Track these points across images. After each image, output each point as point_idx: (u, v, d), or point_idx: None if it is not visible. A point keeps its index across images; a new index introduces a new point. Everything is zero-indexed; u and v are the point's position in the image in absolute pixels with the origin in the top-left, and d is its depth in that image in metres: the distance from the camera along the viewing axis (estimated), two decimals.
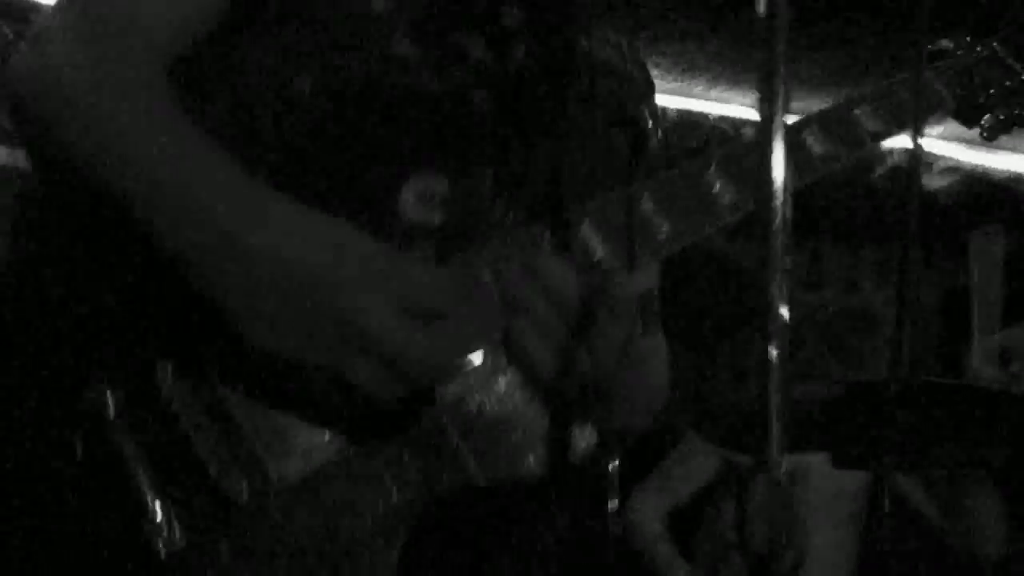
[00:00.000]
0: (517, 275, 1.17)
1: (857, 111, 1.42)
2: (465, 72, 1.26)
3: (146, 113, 1.07)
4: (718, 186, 1.29)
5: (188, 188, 1.03)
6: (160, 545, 1.02)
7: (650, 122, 1.43)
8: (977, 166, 5.93)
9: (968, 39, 1.65)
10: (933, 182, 5.91)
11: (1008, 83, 1.65)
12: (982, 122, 1.68)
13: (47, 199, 1.14)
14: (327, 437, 1.09)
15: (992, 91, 1.62)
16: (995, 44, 1.64)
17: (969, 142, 5.96)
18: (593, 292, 1.14)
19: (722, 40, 5.14)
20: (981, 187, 5.87)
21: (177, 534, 1.02)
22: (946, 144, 5.98)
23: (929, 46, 1.64)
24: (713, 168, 1.29)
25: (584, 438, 1.19)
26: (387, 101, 1.20)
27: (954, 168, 5.95)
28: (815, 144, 1.33)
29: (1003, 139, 6.19)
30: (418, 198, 1.19)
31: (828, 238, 5.63)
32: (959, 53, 1.62)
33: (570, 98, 1.34)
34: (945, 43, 1.66)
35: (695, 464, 3.48)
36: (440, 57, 1.25)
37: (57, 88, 1.07)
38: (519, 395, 1.18)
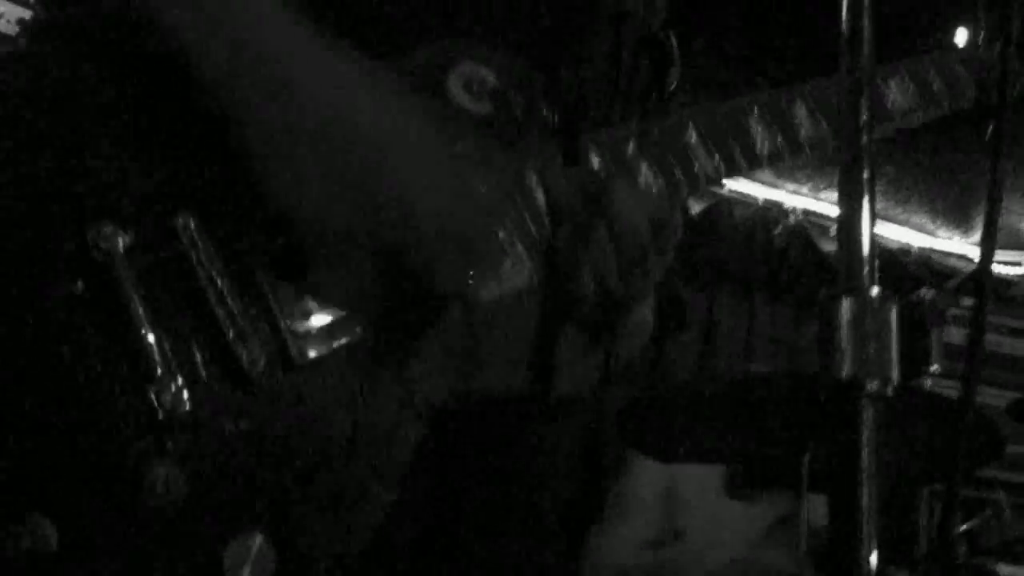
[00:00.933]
0: (578, 194, 1.16)
1: (889, 83, 1.42)
2: None
3: None
4: (759, 130, 1.31)
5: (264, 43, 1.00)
6: (161, 407, 0.94)
7: (675, 47, 1.39)
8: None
9: (984, 33, 1.63)
10: (827, 246, 6.08)
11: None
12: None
13: (73, 32, 1.03)
14: (351, 321, 1.04)
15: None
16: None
17: None
18: (656, 227, 1.15)
19: None
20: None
21: (183, 397, 0.95)
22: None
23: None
24: (756, 113, 1.31)
25: (594, 364, 1.18)
26: None
27: None
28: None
29: (897, 211, 6.33)
30: (465, 84, 1.17)
31: (725, 287, 5.73)
32: (976, 47, 1.60)
33: (600, 8, 1.32)
34: (962, 32, 1.64)
35: (644, 484, 3.43)
36: None
37: None
38: (532, 306, 1.16)
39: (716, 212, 5.80)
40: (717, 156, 1.28)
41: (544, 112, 1.23)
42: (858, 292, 0.82)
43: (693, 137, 1.26)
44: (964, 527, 3.28)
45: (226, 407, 0.98)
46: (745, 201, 5.88)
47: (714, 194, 5.79)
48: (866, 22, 0.95)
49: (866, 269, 0.85)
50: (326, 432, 1.02)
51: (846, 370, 0.80)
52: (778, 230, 5.92)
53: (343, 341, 1.04)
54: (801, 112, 1.33)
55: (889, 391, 0.80)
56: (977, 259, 5.84)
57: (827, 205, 6.11)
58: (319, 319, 1.03)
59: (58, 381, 0.93)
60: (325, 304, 1.02)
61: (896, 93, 1.42)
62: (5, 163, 0.95)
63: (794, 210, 5.96)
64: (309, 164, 0.97)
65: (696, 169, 1.27)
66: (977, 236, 6.35)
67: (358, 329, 1.05)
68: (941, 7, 1.62)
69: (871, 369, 0.80)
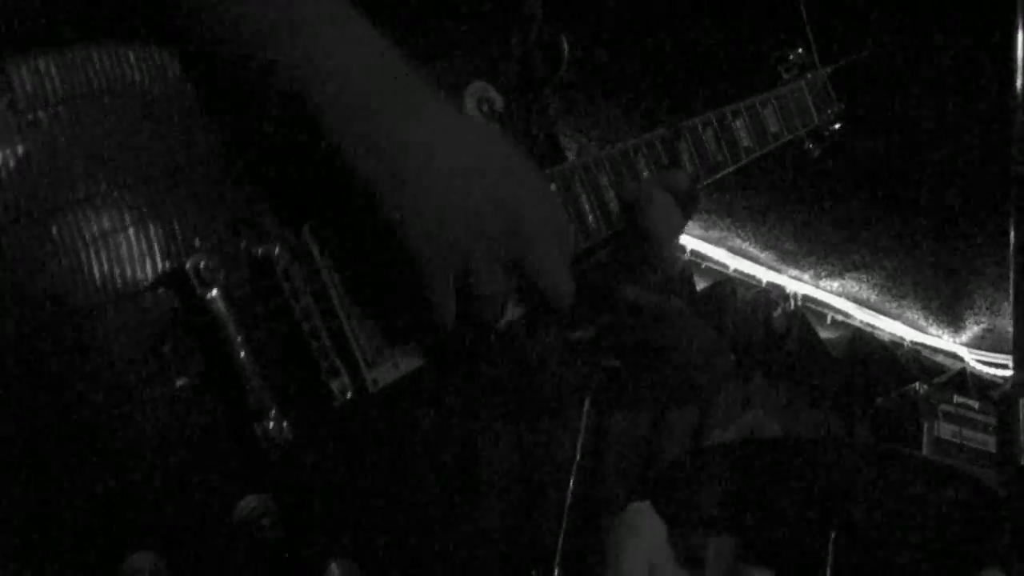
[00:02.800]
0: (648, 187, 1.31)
1: (765, 111, 1.58)
2: None
3: None
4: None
5: (345, 54, 1.00)
6: (265, 439, 0.95)
7: (567, 49, 1.47)
8: (866, 324, 6.30)
9: (812, 55, 1.76)
10: (824, 333, 6.25)
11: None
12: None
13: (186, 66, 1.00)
14: (417, 352, 1.07)
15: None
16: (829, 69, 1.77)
17: (861, 301, 6.34)
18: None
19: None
20: (867, 344, 6.21)
21: (284, 429, 0.96)
22: (840, 300, 6.35)
23: (782, 57, 1.77)
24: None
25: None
26: None
27: (844, 323, 6.31)
28: (741, 132, 1.53)
29: (892, 305, 6.48)
30: (478, 103, 1.22)
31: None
32: (807, 70, 1.74)
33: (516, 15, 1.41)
34: (795, 56, 1.77)
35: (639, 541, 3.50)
36: None
37: None
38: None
39: (720, 290, 5.95)
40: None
41: (535, 132, 1.31)
42: None
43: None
44: None
45: (314, 437, 1.00)
46: (748, 282, 6.05)
47: (719, 272, 5.97)
48: None
49: None
50: (400, 458, 1.07)
51: None
52: (778, 313, 6.08)
53: (408, 369, 1.07)
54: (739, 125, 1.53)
55: None
56: (966, 358, 5.94)
57: (826, 293, 6.30)
58: (390, 348, 1.06)
59: (158, 414, 0.91)
60: (394, 334, 1.06)
61: (771, 120, 1.58)
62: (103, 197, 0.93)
63: (795, 295, 6.13)
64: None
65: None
66: (966, 337, 6.54)
67: (420, 360, 1.09)
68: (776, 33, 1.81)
69: None
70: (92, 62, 0.93)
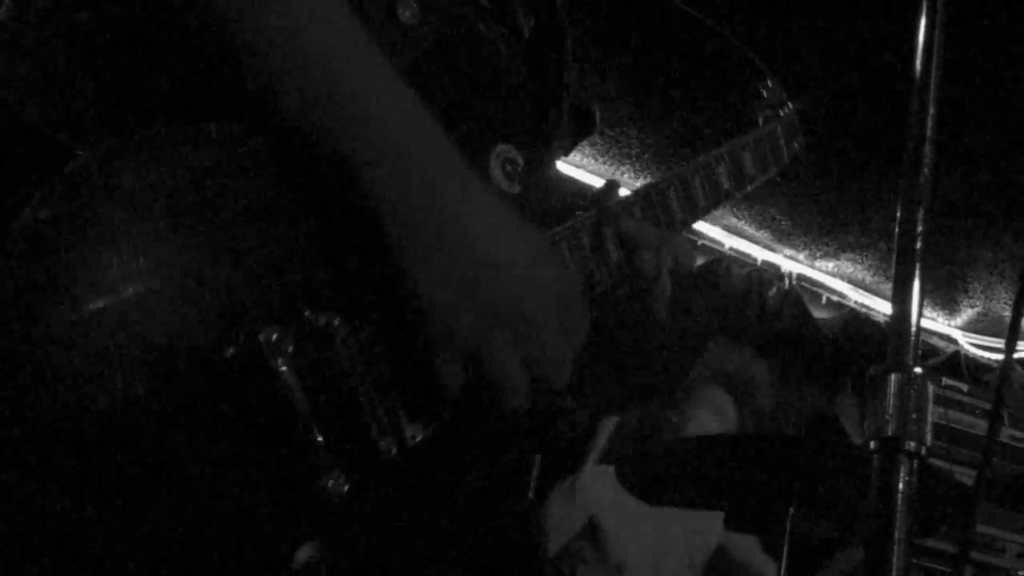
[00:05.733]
0: (646, 252, 1.37)
1: (744, 154, 1.64)
2: (509, 24, 1.35)
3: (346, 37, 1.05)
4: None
5: (402, 138, 1.04)
6: (325, 494, 1.02)
7: (597, 115, 1.54)
8: (861, 305, 6.32)
9: (780, 92, 1.81)
10: (819, 313, 6.28)
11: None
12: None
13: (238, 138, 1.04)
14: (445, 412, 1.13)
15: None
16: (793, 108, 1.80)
17: (857, 282, 6.36)
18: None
19: (657, 135, 5.41)
20: (861, 325, 6.24)
21: (343, 484, 1.03)
22: (835, 280, 6.38)
23: (756, 94, 1.80)
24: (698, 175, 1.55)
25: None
26: (472, 44, 1.26)
27: (839, 304, 6.34)
28: (723, 177, 1.58)
29: (886, 287, 6.53)
30: (502, 165, 1.26)
31: (719, 341, 5.88)
32: (774, 106, 1.79)
33: (562, 76, 1.44)
34: (768, 93, 1.79)
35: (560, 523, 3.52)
36: (497, 9, 1.34)
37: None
38: None
39: (715, 268, 5.98)
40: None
41: (551, 191, 1.36)
42: (904, 369, 1.00)
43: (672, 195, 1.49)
44: None
45: (365, 490, 1.06)
46: (743, 261, 6.07)
47: (714, 251, 5.99)
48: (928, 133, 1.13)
49: (911, 351, 1.03)
50: (437, 505, 1.15)
51: (890, 431, 0.98)
52: (772, 292, 6.12)
53: (437, 424, 1.13)
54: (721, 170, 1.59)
55: (923, 451, 0.98)
56: (959, 341, 5.97)
57: (821, 273, 6.32)
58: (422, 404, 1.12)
59: (224, 470, 0.98)
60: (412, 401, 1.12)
61: (748, 163, 1.64)
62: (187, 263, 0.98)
63: (789, 274, 6.16)
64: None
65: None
66: (960, 320, 6.56)
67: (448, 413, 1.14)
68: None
69: (910, 432, 0.98)
70: (173, 143, 0.99)
